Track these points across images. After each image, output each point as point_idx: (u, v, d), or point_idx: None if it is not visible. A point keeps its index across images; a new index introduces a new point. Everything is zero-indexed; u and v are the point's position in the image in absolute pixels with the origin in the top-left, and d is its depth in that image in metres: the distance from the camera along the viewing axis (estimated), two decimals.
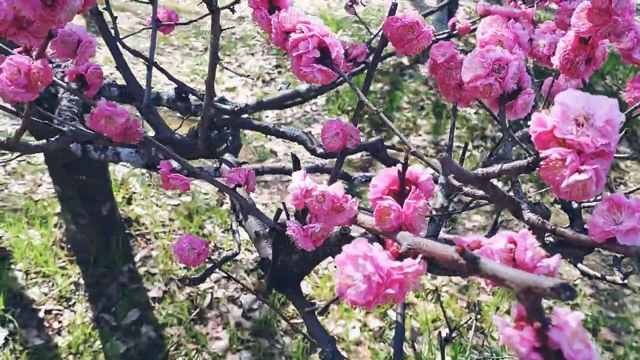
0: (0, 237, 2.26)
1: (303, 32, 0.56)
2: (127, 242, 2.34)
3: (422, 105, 3.78)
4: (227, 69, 0.93)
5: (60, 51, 0.65)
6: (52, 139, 0.83)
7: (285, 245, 0.81)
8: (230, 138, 1.08)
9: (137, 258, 2.33)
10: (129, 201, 2.61)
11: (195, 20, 1.09)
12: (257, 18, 0.61)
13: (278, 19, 0.57)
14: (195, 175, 0.80)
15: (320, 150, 1.14)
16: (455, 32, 1.58)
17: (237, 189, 0.84)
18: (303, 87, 1.63)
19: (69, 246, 2.27)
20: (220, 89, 4.00)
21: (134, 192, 2.67)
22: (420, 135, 3.55)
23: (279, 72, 4.31)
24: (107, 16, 1.04)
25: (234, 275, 2.35)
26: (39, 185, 2.60)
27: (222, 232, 2.59)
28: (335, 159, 0.70)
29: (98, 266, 2.20)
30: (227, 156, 0.98)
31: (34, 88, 0.55)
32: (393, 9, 0.66)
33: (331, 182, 0.59)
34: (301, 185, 0.51)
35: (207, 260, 0.89)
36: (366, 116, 3.59)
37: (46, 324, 2.00)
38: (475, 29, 1.39)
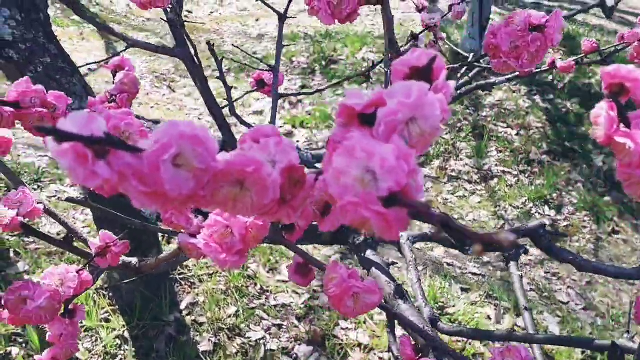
0: None
1: None
2: (172, 287, 2.18)
3: (460, 127, 3.63)
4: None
5: None
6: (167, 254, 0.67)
7: None
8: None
9: (183, 305, 2.17)
10: (168, 240, 2.45)
11: (319, 91, 0.94)
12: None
13: None
14: None
15: None
16: (554, 68, 1.43)
17: None
18: None
19: (111, 294, 2.11)
20: (247, 112, 3.86)
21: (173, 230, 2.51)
22: (461, 159, 3.40)
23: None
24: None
25: (284, 323, 2.19)
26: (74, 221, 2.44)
27: (268, 272, 2.44)
28: None
29: (144, 316, 2.04)
30: (372, 255, 0.81)
31: (246, 251, 0.40)
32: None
33: None
34: None
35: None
36: None
37: None
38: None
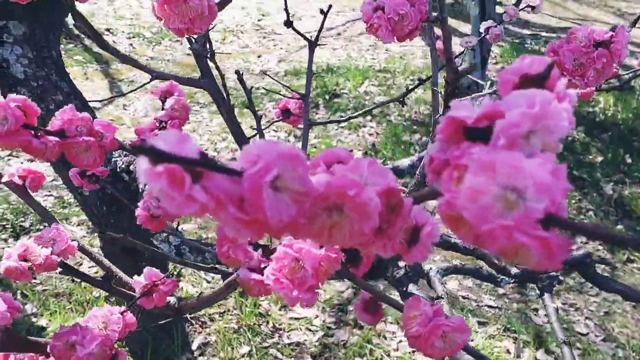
0: (44, 328, 2.03)
1: None
2: (183, 327, 2.12)
3: None
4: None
5: None
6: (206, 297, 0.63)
7: None
8: None
9: (194, 345, 2.10)
10: (178, 277, 2.40)
11: (351, 118, 0.92)
12: None
13: None
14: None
15: None
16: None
17: None
18: (406, 161, 1.46)
19: None
20: None
21: (182, 267, 2.46)
22: None
23: (310, 127, 4.16)
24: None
25: None
26: (80, 265, 2.39)
27: (280, 309, 2.38)
28: None
29: (155, 358, 1.97)
30: (415, 289, 0.77)
31: (317, 287, 0.36)
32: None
33: None
34: None
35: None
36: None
37: None
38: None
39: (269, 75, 0.95)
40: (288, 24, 0.78)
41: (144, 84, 0.82)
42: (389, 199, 0.28)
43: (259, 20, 6.51)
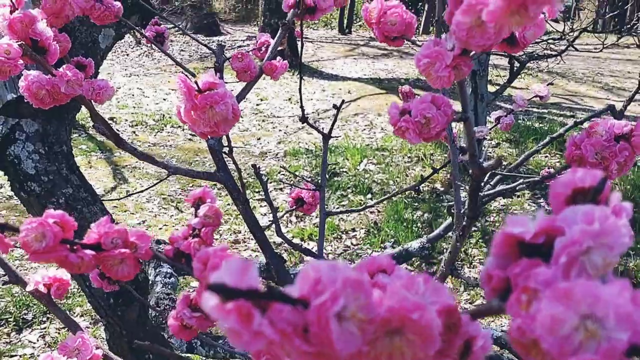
0: None
1: None
2: None
3: (470, 234, 3.60)
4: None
5: None
6: None
7: None
8: None
9: None
10: None
11: (367, 207, 0.92)
12: None
13: None
14: None
15: None
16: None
17: None
18: (415, 244, 1.45)
19: None
20: None
21: None
22: (475, 266, 3.34)
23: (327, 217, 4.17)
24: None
25: None
26: None
27: None
28: None
29: None
30: None
31: None
32: None
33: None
34: None
35: None
36: None
37: None
38: None
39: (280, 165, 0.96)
40: (303, 119, 0.80)
41: (162, 180, 0.83)
42: (449, 318, 0.28)
43: (257, 105, 6.70)
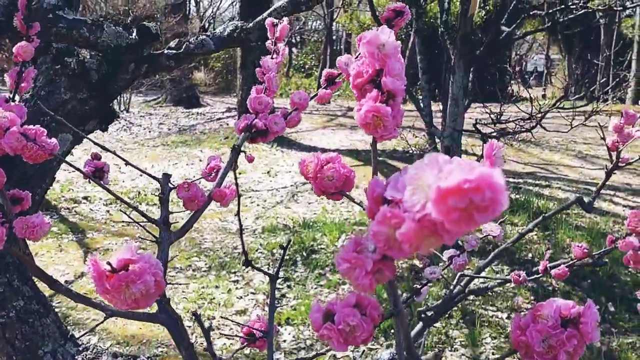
0: None
1: None
2: None
3: (450, 314, 3.52)
4: None
5: None
6: None
7: None
8: None
9: None
10: None
11: None
12: None
13: None
14: None
15: None
16: (547, 275, 1.41)
17: None
18: (385, 355, 1.39)
19: None
20: (230, 312, 3.71)
21: None
22: (456, 349, 3.24)
23: (289, 287, 4.07)
24: None
25: None
26: None
27: None
28: None
29: None
30: None
31: None
32: None
33: None
34: None
35: None
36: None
37: None
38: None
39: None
40: (247, 263, 0.76)
41: (98, 324, 0.77)
42: None
43: (235, 179, 6.67)
